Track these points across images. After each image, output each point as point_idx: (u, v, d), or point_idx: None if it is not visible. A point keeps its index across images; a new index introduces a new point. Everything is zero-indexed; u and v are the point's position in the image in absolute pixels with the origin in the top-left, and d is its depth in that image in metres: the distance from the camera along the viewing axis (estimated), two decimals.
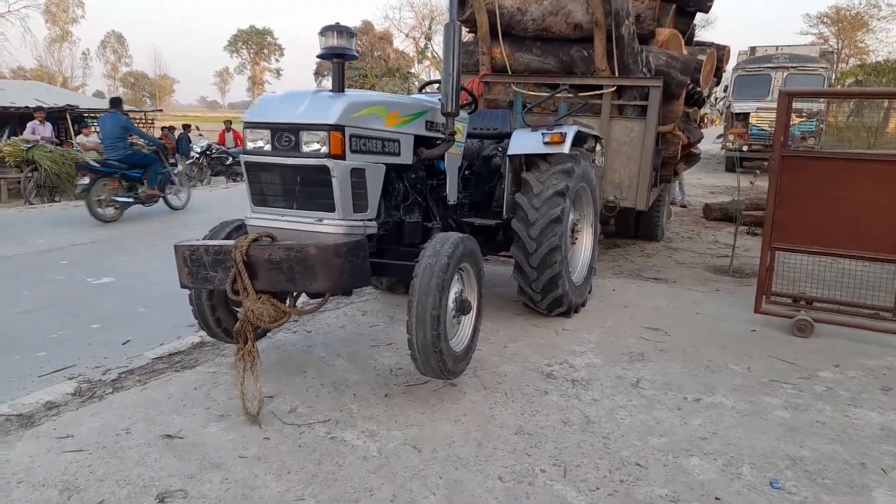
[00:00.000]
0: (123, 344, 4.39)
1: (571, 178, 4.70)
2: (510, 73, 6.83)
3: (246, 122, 3.32)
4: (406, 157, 3.74)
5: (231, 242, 3.19)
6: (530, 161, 4.83)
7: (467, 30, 7.12)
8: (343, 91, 3.36)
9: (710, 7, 7.30)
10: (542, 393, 3.61)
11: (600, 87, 6.42)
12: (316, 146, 3.15)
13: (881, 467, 2.92)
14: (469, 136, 5.34)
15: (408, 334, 3.14)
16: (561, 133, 4.61)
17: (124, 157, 9.42)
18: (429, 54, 45.96)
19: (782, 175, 4.68)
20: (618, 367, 4.03)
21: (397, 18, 44.48)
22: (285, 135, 3.20)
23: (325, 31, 3.31)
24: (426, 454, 2.91)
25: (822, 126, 22.01)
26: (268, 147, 3.26)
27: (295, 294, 3.42)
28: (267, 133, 3.25)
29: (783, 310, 4.98)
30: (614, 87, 6.38)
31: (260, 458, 2.86)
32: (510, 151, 4.75)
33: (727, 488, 2.71)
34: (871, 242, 4.58)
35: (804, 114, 18.35)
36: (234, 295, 3.16)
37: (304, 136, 3.16)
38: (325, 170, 3.17)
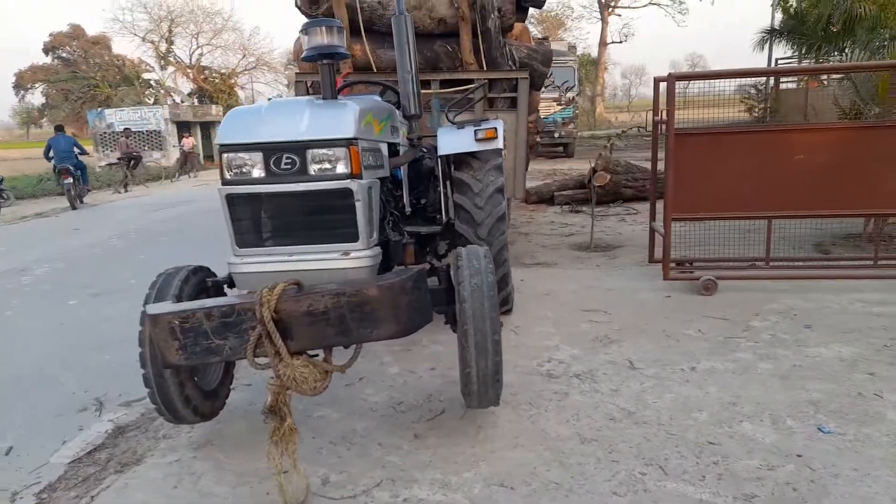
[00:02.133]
0: (6, 454, 3.26)
1: (503, 173, 4.60)
2: (375, 70, 6.48)
3: (224, 145, 2.62)
4: (386, 169, 3.31)
5: (239, 299, 2.51)
6: (459, 160, 4.61)
7: None
8: (336, 98, 2.85)
9: (544, 3, 7.71)
10: (561, 395, 3.48)
11: (467, 82, 6.40)
12: (330, 166, 2.61)
13: (873, 392, 3.35)
14: None
15: (465, 366, 2.76)
16: (493, 128, 4.48)
17: (76, 164, 13.83)
18: (171, 59, 42.28)
19: (678, 151, 5.12)
20: (600, 353, 4.06)
21: (129, 21, 39.56)
22: (286, 156, 2.59)
23: (311, 27, 2.76)
24: (523, 490, 2.61)
25: (577, 112, 24.82)
26: (260, 173, 2.62)
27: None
28: (258, 156, 2.60)
29: (686, 275, 5.48)
30: (485, 81, 6.41)
31: None
32: (443, 151, 4.47)
33: (794, 444, 2.88)
34: (748, 204, 5.25)
35: (562, 102, 20.58)
36: (255, 365, 2.49)
37: (313, 155, 2.59)
38: (347, 193, 2.64)
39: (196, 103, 34.02)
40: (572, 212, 10.40)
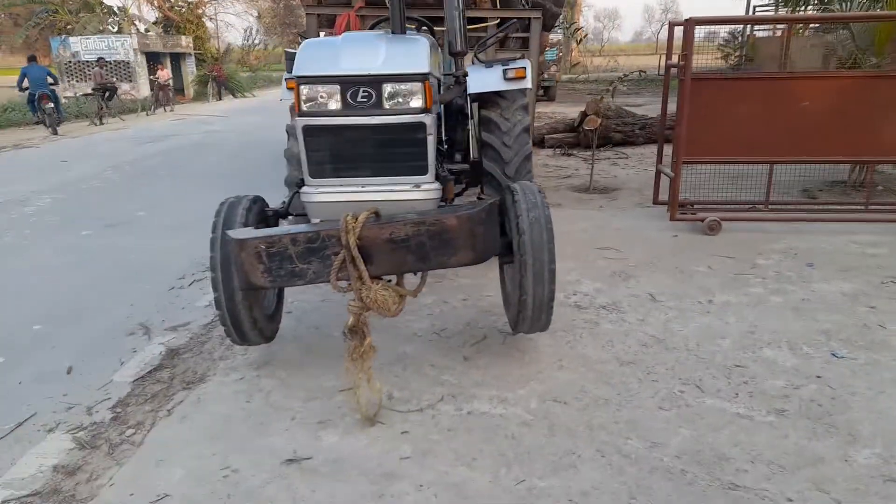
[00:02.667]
0: (68, 373, 3.39)
1: (528, 113, 4.71)
2: (387, 5, 6.41)
3: (301, 77, 2.69)
4: (438, 105, 3.40)
5: (325, 225, 2.63)
6: (486, 99, 4.70)
7: None
8: (404, 32, 2.91)
9: None
10: (592, 324, 3.72)
11: (481, 20, 6.40)
12: (405, 100, 2.70)
13: (877, 324, 3.67)
14: None
15: (522, 294, 2.95)
16: (522, 68, 4.55)
17: (52, 91, 14.44)
18: None
19: (692, 96, 5.27)
20: (621, 287, 4.31)
21: None
22: (363, 90, 2.67)
23: None
24: (576, 405, 2.87)
25: (560, 55, 24.57)
26: (336, 105, 2.70)
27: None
28: (335, 88, 2.68)
29: (692, 216, 5.74)
30: (498, 20, 6.41)
31: (427, 454, 2.53)
32: (472, 89, 4.55)
33: (812, 367, 3.18)
34: (754, 148, 5.47)
35: (546, 43, 20.34)
36: (337, 288, 2.65)
37: (390, 88, 2.68)
38: (420, 127, 2.75)
39: (162, 33, 32.55)
40: (564, 154, 10.55)
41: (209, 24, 42.60)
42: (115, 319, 4.03)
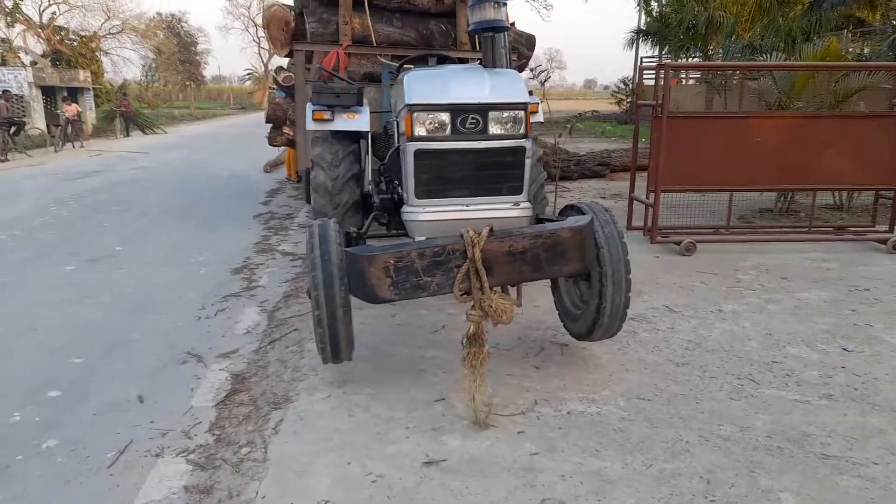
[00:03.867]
0: (141, 402, 3.28)
1: (536, 145, 5.10)
2: (374, 44, 6.68)
3: (414, 105, 2.88)
4: None
5: (448, 240, 2.81)
6: None
7: None
8: (495, 67, 3.17)
9: None
10: (632, 334, 4.05)
11: (463, 61, 6.79)
12: (508, 126, 2.96)
13: (865, 323, 4.27)
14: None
15: (601, 302, 3.23)
16: (536, 102, 4.94)
17: None
18: (19, 16, 37.84)
19: (668, 131, 5.89)
20: (637, 301, 4.68)
21: None
22: (471, 116, 2.91)
23: (478, 3, 3.06)
24: (659, 401, 3.16)
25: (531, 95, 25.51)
26: (447, 131, 2.92)
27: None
28: (446, 116, 2.90)
29: (670, 239, 6.32)
30: (479, 61, 6.82)
31: (553, 449, 2.72)
32: None
33: (833, 359, 3.67)
34: (718, 178, 6.16)
35: None
36: (460, 298, 2.82)
37: (495, 116, 2.94)
38: (520, 151, 3.02)
39: (50, 66, 30.69)
40: None
41: (105, 58, 40.72)
42: (156, 350, 3.91)
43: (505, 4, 3.19)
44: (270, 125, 7.37)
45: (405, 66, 4.80)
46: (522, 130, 2.98)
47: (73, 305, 4.74)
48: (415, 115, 2.89)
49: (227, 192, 10.09)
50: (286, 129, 7.03)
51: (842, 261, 5.88)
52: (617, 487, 2.47)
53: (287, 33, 7.76)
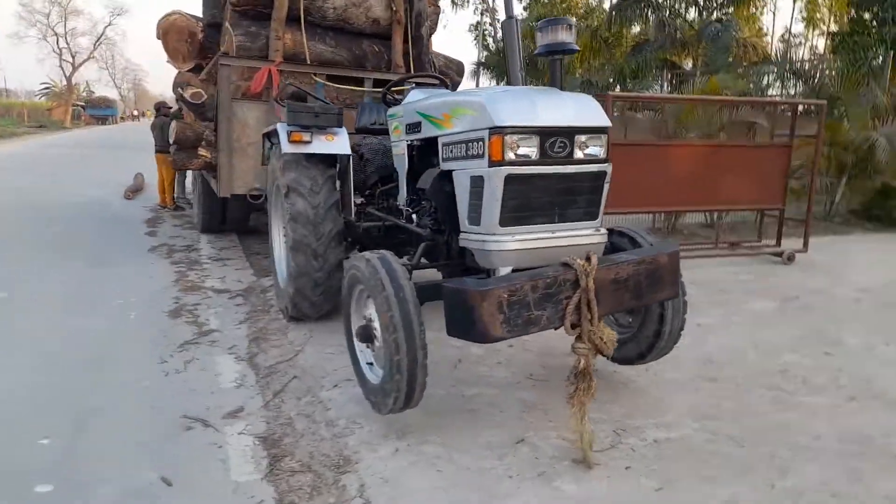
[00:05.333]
0: (169, 486, 2.66)
1: None
2: (308, 62, 6.25)
3: (503, 127, 2.67)
4: None
5: (554, 270, 2.62)
6: None
7: (251, 6, 6.05)
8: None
9: None
10: None
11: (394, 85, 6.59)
12: (593, 150, 2.87)
13: (820, 329, 4.75)
14: (363, 130, 5.01)
15: (662, 326, 3.25)
16: None
17: None
18: None
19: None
20: None
21: None
22: (559, 140, 2.78)
23: (548, 25, 2.93)
24: (727, 419, 3.22)
25: None
26: (535, 156, 2.75)
27: None
28: (535, 140, 2.73)
29: None
30: (413, 85, 6.67)
31: (673, 481, 2.64)
32: None
33: (824, 363, 4.02)
34: (647, 200, 6.60)
35: None
36: (570, 332, 2.64)
37: (581, 140, 2.82)
38: (603, 176, 2.93)
39: None
40: None
41: None
42: (140, 417, 3.23)
43: (572, 27, 3.11)
44: (174, 147, 6.54)
45: (394, 87, 4.54)
46: (605, 154, 2.91)
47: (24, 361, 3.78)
48: (506, 137, 2.69)
49: (97, 221, 8.80)
50: (202, 152, 6.27)
51: (755, 273, 6.54)
52: None
53: (192, 45, 7.04)
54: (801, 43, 24.31)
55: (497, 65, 30.01)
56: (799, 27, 26.90)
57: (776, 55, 18.36)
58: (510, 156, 2.71)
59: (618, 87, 21.89)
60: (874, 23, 17.64)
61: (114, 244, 7.38)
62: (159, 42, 7.22)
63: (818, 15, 23.67)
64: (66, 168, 15.90)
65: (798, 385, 3.66)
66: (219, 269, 6.35)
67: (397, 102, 4.38)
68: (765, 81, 18.43)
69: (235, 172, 6.09)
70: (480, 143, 2.80)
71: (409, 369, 2.71)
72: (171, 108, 9.84)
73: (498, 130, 2.69)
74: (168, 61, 7.30)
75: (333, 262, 4.32)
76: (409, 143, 3.78)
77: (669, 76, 20.91)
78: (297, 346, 4.23)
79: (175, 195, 10.20)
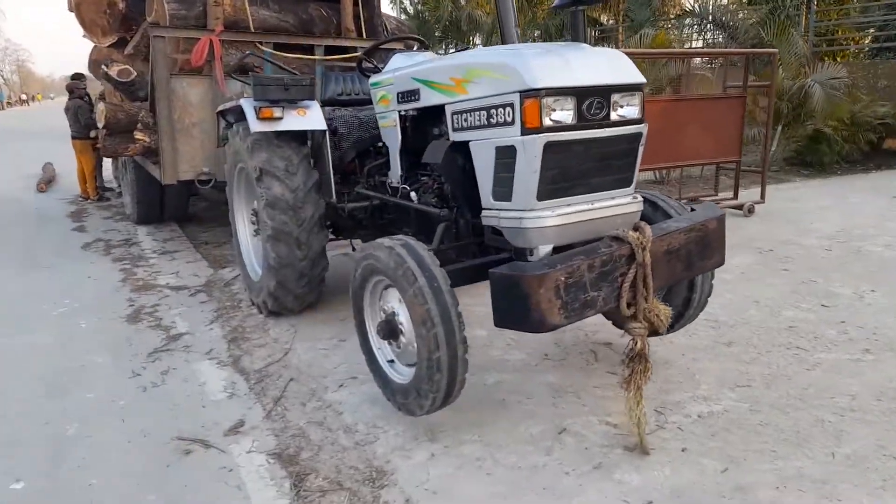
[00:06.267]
0: None
1: None
2: (252, 30, 5.69)
3: (541, 89, 2.36)
4: None
5: (605, 246, 2.38)
6: None
7: None
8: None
9: None
10: None
11: (350, 50, 6.16)
12: (629, 110, 2.61)
13: (810, 280, 4.78)
14: (329, 103, 4.61)
15: (692, 292, 3.10)
16: None
17: None
18: None
19: None
20: None
21: None
22: (596, 101, 2.50)
23: None
24: (761, 386, 3.12)
25: None
26: (572, 119, 2.46)
27: None
28: (572, 101, 2.44)
29: None
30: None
31: (737, 460, 2.50)
32: None
33: (826, 316, 4.01)
34: None
35: None
36: (626, 311, 2.43)
37: (617, 99, 2.56)
38: (638, 138, 2.68)
39: None
40: None
41: None
42: (127, 444, 2.82)
43: None
44: (103, 132, 5.84)
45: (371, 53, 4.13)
46: (640, 115, 2.66)
47: None
48: (543, 100, 2.39)
49: (15, 219, 7.95)
50: (139, 136, 5.63)
51: None
52: (834, 484, 2.35)
53: (112, 16, 6.30)
54: None
55: (417, 30, 29.35)
56: None
57: (699, 7, 18.70)
58: (547, 121, 2.42)
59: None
60: None
61: (41, 244, 6.66)
62: (71, 15, 6.44)
63: None
64: None
65: (812, 342, 3.63)
66: (169, 264, 5.80)
67: (376, 70, 3.99)
68: (685, 34, 18.82)
69: (180, 156, 5.53)
70: (509, 108, 2.49)
71: (449, 366, 2.44)
72: (84, 88, 8.89)
73: (533, 93, 2.39)
74: (84, 36, 6.52)
75: (317, 250, 3.95)
76: (402, 113, 3.42)
77: (593, 33, 20.98)
78: (285, 344, 3.86)
79: (97, 184, 9.33)
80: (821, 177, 10.17)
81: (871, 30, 14.84)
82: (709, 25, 16.99)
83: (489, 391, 3.16)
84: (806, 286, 4.61)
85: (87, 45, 7.52)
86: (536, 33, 23.23)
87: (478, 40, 25.49)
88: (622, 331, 3.38)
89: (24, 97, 66.44)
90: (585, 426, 2.80)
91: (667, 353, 3.50)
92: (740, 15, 14.67)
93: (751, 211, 7.12)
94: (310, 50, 5.89)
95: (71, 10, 6.40)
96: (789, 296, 4.41)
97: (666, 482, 2.39)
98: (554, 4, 2.73)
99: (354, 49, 6.08)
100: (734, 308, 4.19)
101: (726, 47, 13.66)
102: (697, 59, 12.87)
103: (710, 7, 17.47)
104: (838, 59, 14.13)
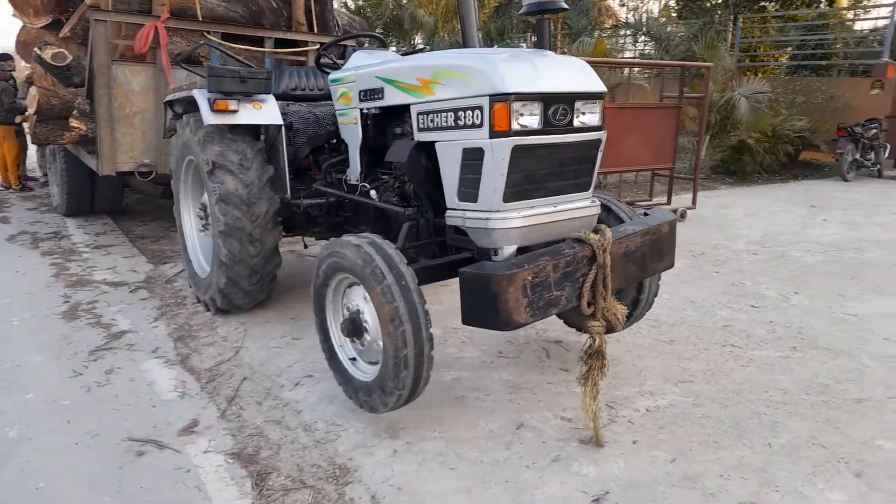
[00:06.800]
0: None
1: None
2: (200, 18, 5.53)
3: (510, 94, 2.43)
4: None
5: (570, 248, 2.47)
6: None
7: None
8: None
9: None
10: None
11: (301, 44, 6.08)
12: (591, 117, 2.71)
13: (739, 282, 5.08)
14: (283, 97, 4.56)
15: (641, 293, 3.25)
16: None
17: None
18: None
19: None
20: None
21: None
22: (562, 107, 2.60)
23: None
24: (701, 382, 3.31)
25: None
26: (539, 124, 2.55)
27: None
28: (539, 106, 2.53)
29: None
30: (318, 45, 6.16)
31: (685, 453, 2.64)
32: None
33: (756, 317, 4.30)
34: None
35: None
36: (586, 311, 2.53)
37: (580, 106, 2.66)
38: (597, 144, 2.79)
39: None
40: None
41: None
42: (76, 446, 2.71)
43: None
44: (34, 117, 5.52)
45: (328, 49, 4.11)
46: (600, 122, 2.78)
47: None
48: (514, 104, 2.46)
49: None
50: (75, 123, 5.35)
51: None
52: (772, 472, 2.53)
53: None
54: (636, 7, 25.67)
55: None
56: None
57: (634, 18, 19.44)
58: (515, 125, 2.50)
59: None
60: None
61: None
62: None
63: None
64: None
65: (745, 340, 3.87)
66: (104, 259, 5.56)
67: (335, 66, 3.98)
68: (620, 43, 19.51)
69: (119, 147, 5.32)
70: (478, 111, 2.55)
71: (416, 363, 2.48)
72: (10, 71, 8.38)
73: (502, 97, 2.46)
74: (14, 15, 6.16)
75: (270, 247, 3.90)
76: (363, 111, 3.43)
77: (531, 38, 21.40)
78: (235, 343, 3.79)
79: (20, 173, 8.82)
80: (744, 185, 10.77)
81: (790, 48, 15.83)
82: (642, 37, 17.70)
83: (447, 388, 3.21)
84: (736, 288, 4.90)
85: (14, 25, 7.09)
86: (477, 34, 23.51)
87: (418, 39, 25.59)
88: (571, 328, 3.56)
89: None
90: (542, 421, 2.90)
91: (614, 350, 3.64)
92: (671, 28, 15.38)
93: (683, 216, 7.47)
94: (259, 42, 5.77)
95: None
96: (721, 297, 4.68)
97: (621, 473, 2.51)
98: (521, 11, 2.81)
99: (304, 43, 6.02)
100: (672, 308, 4.41)
101: (659, 58, 14.31)
102: (635, 69, 13.35)
103: (645, 19, 18.24)
104: (760, 74, 15.00)
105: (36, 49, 5.57)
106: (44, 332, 3.92)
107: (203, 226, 4.34)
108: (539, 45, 2.85)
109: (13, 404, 3.03)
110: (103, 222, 6.97)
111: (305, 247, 4.95)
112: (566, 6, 2.87)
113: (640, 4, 25.65)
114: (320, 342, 3.03)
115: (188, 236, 4.51)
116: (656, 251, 2.85)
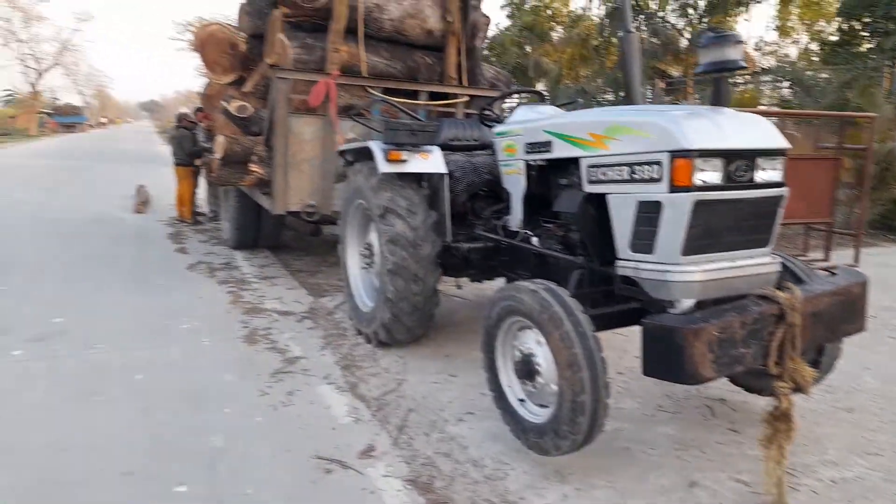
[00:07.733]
0: None
1: None
2: (365, 75, 6.03)
3: (692, 150, 2.50)
4: None
5: (758, 304, 2.46)
6: None
7: (306, 18, 5.83)
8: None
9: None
10: None
11: (452, 96, 6.42)
12: (772, 174, 2.72)
13: None
14: (444, 147, 4.81)
15: (822, 356, 3.12)
16: None
17: None
18: None
19: None
20: None
21: None
22: (743, 164, 2.62)
23: (716, 41, 2.75)
24: (889, 460, 3.11)
25: None
26: (719, 180, 2.59)
27: None
28: (720, 163, 2.57)
29: None
30: (467, 98, 6.50)
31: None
32: None
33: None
34: None
35: None
36: (775, 370, 2.49)
37: (761, 163, 2.67)
38: (779, 200, 2.78)
39: None
40: None
41: None
42: (277, 460, 2.99)
43: (741, 42, 2.95)
44: (219, 162, 6.24)
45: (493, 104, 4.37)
46: (782, 178, 2.76)
47: (82, 406, 3.49)
48: (697, 160, 2.52)
49: (119, 238, 8.45)
50: (254, 168, 5.99)
51: None
52: None
53: (234, 57, 6.79)
54: (773, 52, 24.50)
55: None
56: (772, 35, 27.11)
57: (774, 64, 18.65)
58: (696, 181, 2.54)
59: (610, 95, 22.09)
60: (866, 32, 17.92)
61: (148, 263, 7.06)
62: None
63: (789, 24, 23.90)
64: (61, 180, 15.34)
65: None
66: (271, 289, 6.08)
67: (497, 120, 4.21)
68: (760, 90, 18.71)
69: (290, 189, 5.85)
70: (656, 165, 2.63)
71: (592, 409, 2.53)
72: (193, 120, 9.51)
73: (684, 153, 2.52)
74: (204, 73, 7.03)
75: (432, 286, 4.13)
76: (529, 162, 3.60)
77: (662, 84, 21.11)
78: (397, 375, 4.01)
79: (192, 209, 9.90)
80: None
81: None
82: (786, 84, 16.90)
83: (610, 438, 3.20)
84: None
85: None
86: (599, 81, 23.55)
87: (541, 86, 25.96)
88: (737, 388, 3.45)
89: (103, 120, 70.70)
90: (716, 482, 2.82)
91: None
92: (823, 75, 14.58)
93: None
94: (413, 95, 6.19)
95: (196, 49, 6.92)
96: None
97: None
98: (697, 69, 2.87)
99: (455, 95, 6.37)
100: (846, 373, 4.11)
101: (800, 105, 13.58)
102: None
103: (789, 66, 17.44)
104: None
105: (223, 102, 6.31)
106: (230, 353, 4.36)
107: (366, 263, 4.66)
108: (716, 101, 2.89)
109: (214, 417, 3.39)
110: (265, 255, 7.63)
111: (459, 287, 5.15)
112: (745, 64, 2.90)
113: (778, 48, 24.60)
114: (487, 381, 3.15)
115: (351, 273, 4.86)
116: (846, 313, 2.74)
